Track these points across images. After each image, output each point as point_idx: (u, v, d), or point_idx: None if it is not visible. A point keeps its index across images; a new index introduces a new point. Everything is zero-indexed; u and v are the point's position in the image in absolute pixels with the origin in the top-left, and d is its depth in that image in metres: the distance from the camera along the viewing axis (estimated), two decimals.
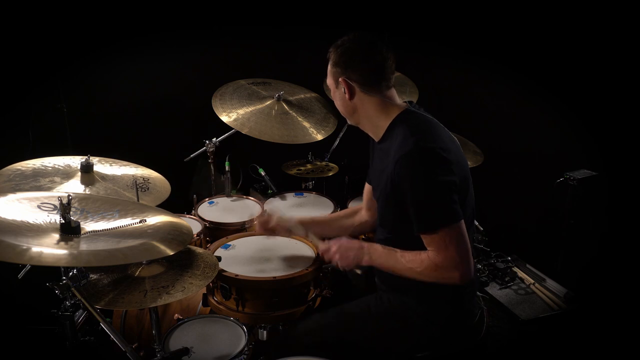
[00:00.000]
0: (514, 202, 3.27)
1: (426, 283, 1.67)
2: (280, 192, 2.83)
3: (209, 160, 2.82)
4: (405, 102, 1.80)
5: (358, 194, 2.71)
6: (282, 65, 3.43)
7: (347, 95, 1.76)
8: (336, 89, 1.79)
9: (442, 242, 1.60)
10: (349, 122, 1.88)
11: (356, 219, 2.11)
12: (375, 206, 1.91)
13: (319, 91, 2.98)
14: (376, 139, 1.82)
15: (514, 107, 3.33)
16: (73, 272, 1.52)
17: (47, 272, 1.60)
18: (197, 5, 3.20)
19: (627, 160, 3.04)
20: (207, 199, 2.71)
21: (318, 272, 1.96)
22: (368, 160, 1.98)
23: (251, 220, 2.46)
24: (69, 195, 1.45)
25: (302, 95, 2.96)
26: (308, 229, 2.04)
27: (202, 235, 2.34)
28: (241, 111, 2.68)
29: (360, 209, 2.12)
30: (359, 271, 1.80)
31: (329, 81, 1.82)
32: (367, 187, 2.04)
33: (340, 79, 1.75)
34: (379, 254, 1.76)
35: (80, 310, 2.03)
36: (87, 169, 2.01)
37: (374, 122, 1.78)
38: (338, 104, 1.83)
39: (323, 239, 1.99)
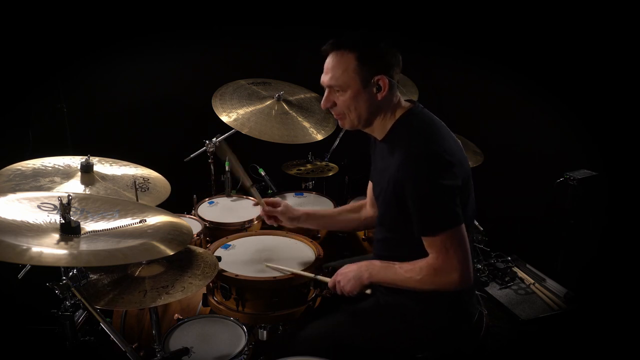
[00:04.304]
0: (514, 202, 3.27)
1: None
2: (280, 192, 2.83)
3: (209, 160, 2.82)
4: (407, 101, 1.78)
5: (358, 194, 2.71)
6: (282, 65, 3.43)
7: (380, 94, 1.66)
8: (363, 89, 1.66)
9: (443, 246, 1.60)
10: (357, 125, 1.74)
11: (362, 214, 2.11)
12: None
13: (318, 91, 2.96)
14: (379, 138, 1.78)
15: (514, 107, 3.33)
16: (73, 272, 1.52)
17: (47, 272, 1.60)
18: (197, 5, 3.20)
19: (627, 160, 3.04)
20: (207, 199, 2.72)
21: (318, 272, 1.96)
22: (368, 159, 1.98)
23: (251, 220, 2.46)
24: (69, 195, 1.45)
25: (302, 95, 2.95)
26: (309, 221, 2.06)
27: (202, 235, 2.33)
28: (241, 111, 2.68)
29: (365, 204, 2.11)
30: (368, 291, 1.79)
31: (349, 82, 1.66)
32: (371, 184, 2.04)
33: (377, 78, 1.65)
34: (378, 269, 1.74)
35: (80, 310, 2.03)
36: (87, 169, 2.01)
37: (384, 122, 1.73)
38: (361, 105, 1.68)
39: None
